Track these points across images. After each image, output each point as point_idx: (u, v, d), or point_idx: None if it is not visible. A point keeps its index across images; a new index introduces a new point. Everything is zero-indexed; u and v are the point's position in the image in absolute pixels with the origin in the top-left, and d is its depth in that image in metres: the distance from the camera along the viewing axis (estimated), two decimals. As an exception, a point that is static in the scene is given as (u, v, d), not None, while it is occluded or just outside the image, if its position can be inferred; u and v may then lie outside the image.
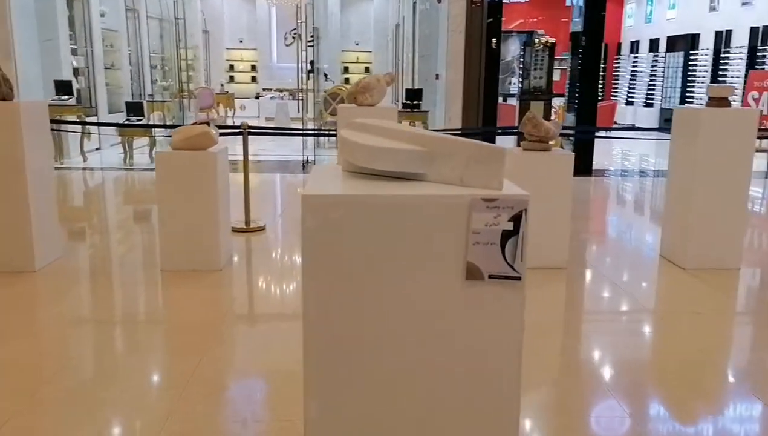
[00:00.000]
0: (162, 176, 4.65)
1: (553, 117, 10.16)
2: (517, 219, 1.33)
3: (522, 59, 9.39)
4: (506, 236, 1.33)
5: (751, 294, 4.54)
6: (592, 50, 8.84)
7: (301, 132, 9.65)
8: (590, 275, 4.80)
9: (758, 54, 11.10)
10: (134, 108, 10.49)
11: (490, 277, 1.34)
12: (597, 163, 10.39)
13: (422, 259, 1.34)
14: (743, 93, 9.33)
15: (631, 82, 16.85)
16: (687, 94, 14.13)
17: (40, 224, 4.60)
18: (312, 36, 18.06)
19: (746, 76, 10.70)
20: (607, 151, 11.92)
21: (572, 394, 2.88)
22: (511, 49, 14.32)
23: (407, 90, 10.06)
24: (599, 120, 14.42)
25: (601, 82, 17.78)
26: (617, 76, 17.63)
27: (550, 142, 4.91)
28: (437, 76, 9.70)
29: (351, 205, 1.32)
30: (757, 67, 10.87)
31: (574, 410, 2.72)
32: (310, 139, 10.15)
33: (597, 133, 11.04)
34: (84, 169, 9.66)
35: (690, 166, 4.77)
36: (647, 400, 2.87)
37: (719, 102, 4.74)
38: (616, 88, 17.63)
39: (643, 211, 7.62)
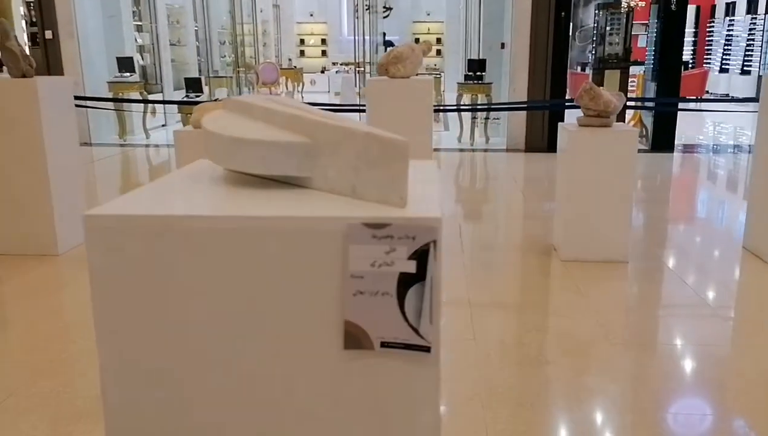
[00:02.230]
0: (182, 156, 4.35)
1: (631, 86, 9.22)
2: (421, 256, 0.83)
3: (596, 24, 8.50)
4: (406, 282, 0.84)
5: None
6: (675, 12, 7.86)
7: (349, 107, 9.20)
8: (655, 272, 4.12)
9: None
10: (193, 84, 10.37)
11: (383, 345, 0.85)
12: (683, 137, 9.40)
13: (270, 317, 0.86)
14: None
15: (726, 47, 15.24)
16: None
17: (62, 206, 4.42)
18: (385, 7, 17.50)
19: None
20: (696, 125, 10.82)
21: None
22: (593, 14, 13.23)
23: (469, 60, 9.37)
24: (688, 90, 13.18)
25: (692, 48, 16.34)
26: (710, 41, 16.03)
27: (612, 117, 4.24)
28: (503, 45, 8.95)
29: (151, 231, 0.86)
30: None
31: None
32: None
33: (681, 105, 9.99)
34: (147, 146, 9.65)
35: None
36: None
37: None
38: (709, 54, 16.04)
39: (728, 195, 6.71)
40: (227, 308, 0.87)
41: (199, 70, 13.07)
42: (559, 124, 4.53)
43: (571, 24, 12.31)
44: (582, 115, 4.26)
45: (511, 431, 2.34)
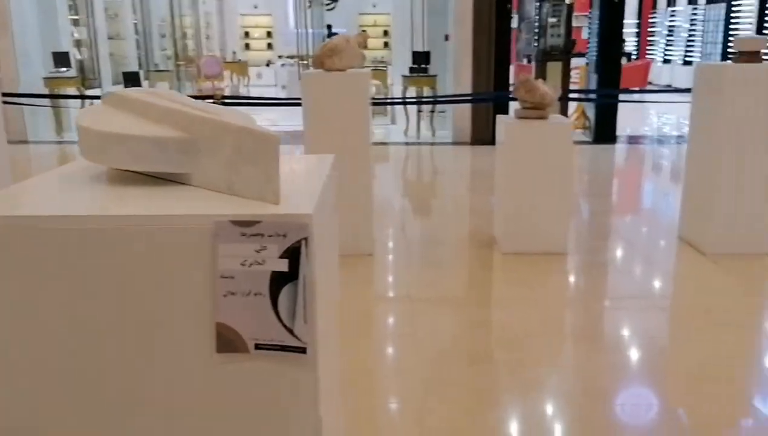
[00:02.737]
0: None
1: (574, 78, 9.37)
2: (293, 254, 0.79)
3: (538, 16, 8.60)
4: (279, 281, 0.79)
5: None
6: (615, 3, 8.01)
7: (296, 100, 9.05)
8: (593, 263, 4.18)
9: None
10: (131, 78, 10.09)
11: (257, 347, 0.81)
12: (626, 129, 9.61)
13: (139, 321, 0.81)
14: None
15: (668, 38, 15.66)
16: (729, 50, 13.01)
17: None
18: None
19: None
20: (639, 116, 11.07)
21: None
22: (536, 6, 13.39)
23: (414, 53, 9.37)
24: (631, 81, 13.48)
25: (635, 39, 16.73)
26: (653, 32, 16.44)
27: (548, 109, 4.28)
28: (446, 37, 8.97)
29: (12, 232, 0.79)
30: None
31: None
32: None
33: (625, 97, 10.21)
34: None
35: (713, 133, 4.08)
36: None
37: (749, 56, 4.02)
38: (652, 45, 16.45)
39: (668, 185, 6.88)
40: (93, 311, 0.82)
41: (140, 64, 12.74)
42: (498, 116, 4.55)
43: (516, 16, 12.46)
44: (519, 107, 4.30)
45: (448, 427, 2.33)
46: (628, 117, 10.50)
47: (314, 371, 0.80)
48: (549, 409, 2.46)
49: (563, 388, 2.61)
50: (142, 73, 11.14)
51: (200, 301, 0.79)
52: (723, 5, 13.14)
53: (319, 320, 0.83)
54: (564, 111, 8.66)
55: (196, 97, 6.66)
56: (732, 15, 12.89)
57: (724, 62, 4.99)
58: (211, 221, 0.77)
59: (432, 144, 8.94)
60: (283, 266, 0.78)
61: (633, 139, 9.12)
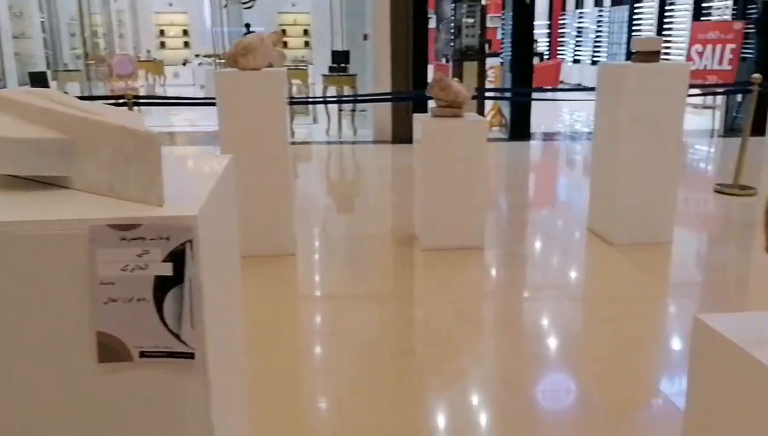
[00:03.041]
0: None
1: (490, 77, 9.61)
2: (177, 258, 0.77)
3: (453, 16, 8.76)
4: (163, 285, 0.77)
5: (684, 271, 4.11)
6: (524, 5, 8.27)
7: (203, 101, 8.88)
8: (508, 256, 4.31)
9: (704, 5, 10.67)
10: (38, 79, 9.59)
11: (142, 355, 0.78)
12: (540, 126, 9.94)
13: (17, 332, 0.77)
14: (688, 46, 8.92)
15: (577, 39, 16.34)
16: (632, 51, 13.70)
17: None
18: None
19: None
20: (552, 113, 11.47)
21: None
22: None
23: (333, 52, 9.36)
24: (544, 80, 13.96)
25: (547, 40, 17.34)
26: (563, 33, 17.11)
27: (463, 107, 4.37)
28: (365, 37, 9.01)
29: None
30: (702, 18, 10.46)
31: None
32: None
33: (538, 95, 10.55)
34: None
35: (615, 129, 4.29)
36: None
37: (647, 56, 4.24)
38: (563, 46, 17.12)
39: (579, 180, 7.18)
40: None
41: (48, 64, 12.13)
42: (414, 115, 4.61)
43: (434, 16, 12.65)
44: (435, 106, 4.37)
45: (368, 424, 2.34)
46: (542, 115, 10.87)
47: (204, 376, 0.78)
48: (472, 400, 2.52)
49: (483, 379, 2.67)
50: (49, 74, 10.60)
51: (80, 310, 0.76)
52: (626, 7, 13.83)
53: (211, 324, 0.81)
54: (481, 109, 8.87)
55: (108, 98, 6.42)
56: (634, 17, 13.58)
57: (624, 62, 5.24)
58: (88, 225, 0.75)
59: (354, 143, 8.96)
60: (167, 270, 0.76)
61: (546, 136, 9.45)
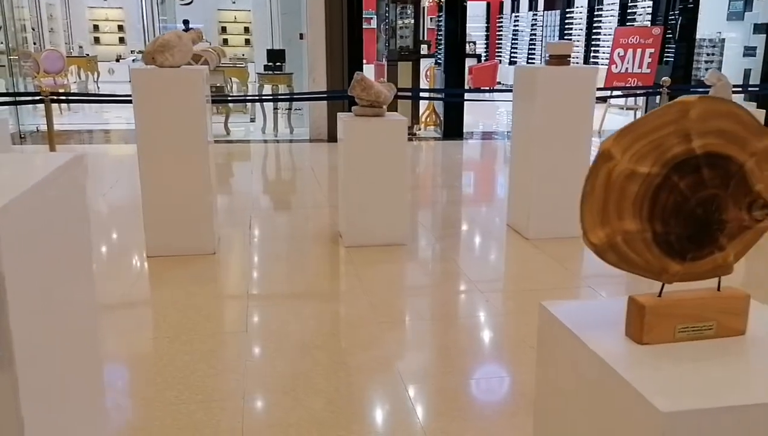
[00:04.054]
0: None
1: (424, 78, 9.76)
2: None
3: (387, 17, 8.87)
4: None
5: (594, 263, 4.31)
6: (456, 7, 8.45)
7: (123, 98, 8.70)
8: (430, 252, 4.42)
9: (628, 11, 11.11)
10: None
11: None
12: (478, 125, 10.16)
13: None
14: (611, 50, 9.29)
15: (513, 41, 16.74)
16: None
17: None
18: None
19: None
20: (489, 113, 11.72)
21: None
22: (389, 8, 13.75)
23: (268, 50, 9.33)
24: (482, 81, 14.25)
25: (485, 42, 17.69)
26: (500, 35, 17.49)
27: (384, 107, 4.45)
28: (301, 36, 9.02)
29: None
30: (627, 24, 10.88)
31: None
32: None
33: (475, 96, 10.77)
34: None
35: (529, 129, 4.46)
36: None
37: (559, 60, 4.42)
38: (500, 48, 17.50)
39: (505, 177, 7.38)
40: None
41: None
42: (338, 114, 4.67)
43: (376, 16, 12.73)
44: (356, 105, 4.44)
45: (273, 421, 2.38)
46: (479, 115, 11.11)
47: (12, 375, 0.81)
48: (385, 392, 2.59)
49: (395, 370, 2.74)
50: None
51: None
52: (558, 12, 14.26)
53: (30, 321, 0.84)
54: (415, 109, 9.02)
55: (34, 94, 6.20)
56: (566, 21, 14.02)
57: (537, 65, 5.43)
58: None
59: (291, 141, 8.96)
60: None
61: (479, 135, 9.66)
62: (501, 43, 17.45)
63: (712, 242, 1.18)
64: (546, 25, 14.84)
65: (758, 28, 8.99)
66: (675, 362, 1.13)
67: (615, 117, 11.12)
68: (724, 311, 1.21)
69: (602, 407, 1.16)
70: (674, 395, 1.02)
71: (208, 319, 3.25)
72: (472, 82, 14.00)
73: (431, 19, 15.18)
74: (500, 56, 17.28)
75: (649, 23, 9.80)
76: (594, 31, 12.71)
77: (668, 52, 9.03)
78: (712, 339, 1.20)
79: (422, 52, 10.61)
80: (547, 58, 4.47)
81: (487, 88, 13.91)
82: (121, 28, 17.87)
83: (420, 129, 9.21)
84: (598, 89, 9.59)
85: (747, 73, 9.15)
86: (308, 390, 2.57)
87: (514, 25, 16.71)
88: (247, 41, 17.35)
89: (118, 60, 16.11)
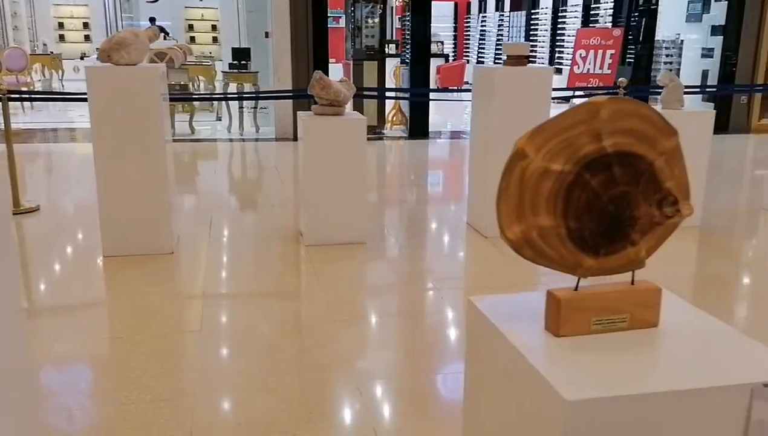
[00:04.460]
0: None
1: (390, 77, 9.79)
2: None
3: (353, 17, 8.88)
4: None
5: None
6: (422, 7, 8.50)
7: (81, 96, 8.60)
8: (389, 250, 4.45)
9: (591, 12, 11.29)
10: None
11: None
12: (448, 124, 10.22)
13: None
14: (574, 51, 9.43)
15: (480, 41, 16.88)
16: (530, 53, 14.32)
17: None
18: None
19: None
20: (458, 113, 11.80)
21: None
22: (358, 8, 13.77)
23: (233, 49, 9.28)
24: (450, 80, 14.35)
25: (453, 42, 17.79)
26: (468, 35, 17.62)
27: (344, 106, 4.47)
28: (267, 34, 8.99)
29: None
30: (590, 25, 11.06)
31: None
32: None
33: (442, 96, 10.84)
34: None
35: (487, 129, 4.51)
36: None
37: (516, 60, 4.49)
38: (468, 48, 17.63)
39: (456, 176, 7.46)
40: None
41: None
42: (298, 113, 4.68)
43: (345, 16, 12.73)
44: (317, 104, 4.44)
45: (223, 420, 2.38)
46: (447, 114, 11.18)
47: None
48: (340, 389, 2.61)
49: (348, 367, 2.76)
50: None
51: None
52: (524, 13, 14.43)
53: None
54: (381, 108, 9.05)
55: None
56: (532, 21, 14.19)
57: (495, 65, 5.51)
58: None
59: (257, 140, 8.93)
60: None
61: (445, 135, 9.73)
62: (469, 43, 17.58)
63: (625, 237, 1.23)
64: (512, 26, 15.00)
65: (715, 30, 9.22)
66: (587, 353, 1.17)
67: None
68: (638, 303, 1.26)
69: (519, 397, 1.19)
70: (580, 384, 1.06)
71: (163, 319, 3.23)
72: (440, 82, 14.09)
73: (399, 18, 15.24)
74: (468, 56, 17.41)
75: (610, 25, 9.98)
76: (558, 32, 12.89)
77: (630, 54, 9.21)
78: (626, 331, 1.25)
79: (390, 52, 10.66)
80: (505, 59, 4.53)
81: (455, 87, 14.01)
82: (86, 25, 17.57)
83: (386, 128, 9.24)
84: (561, 89, 9.74)
85: (705, 74, 9.37)
86: (261, 389, 2.58)
87: (482, 26, 16.85)
88: (215, 39, 17.20)
89: (82, 58, 15.83)
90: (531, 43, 13.63)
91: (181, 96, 8.90)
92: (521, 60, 4.47)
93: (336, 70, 11.02)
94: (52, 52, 14.89)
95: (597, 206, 1.19)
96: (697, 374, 1.10)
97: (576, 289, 1.25)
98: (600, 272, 1.25)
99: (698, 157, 4.72)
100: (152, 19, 16.22)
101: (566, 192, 1.17)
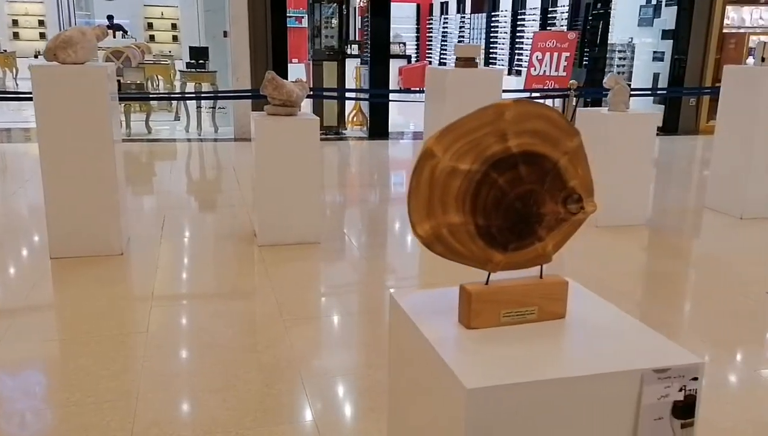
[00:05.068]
0: None
1: (352, 77, 9.83)
2: None
3: (312, 18, 8.89)
4: None
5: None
6: (381, 8, 8.56)
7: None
8: (342, 251, 4.48)
9: (549, 15, 11.51)
10: None
11: None
12: (411, 125, 10.28)
13: None
14: (531, 53, 9.61)
15: (442, 43, 17.05)
16: (490, 55, 14.53)
17: None
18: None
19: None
20: (420, 113, 11.87)
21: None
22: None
23: (190, 48, 9.20)
24: (412, 81, 14.43)
25: (415, 43, 17.92)
26: (430, 37, 17.78)
27: (297, 106, 4.49)
28: (225, 34, 8.94)
29: None
30: (548, 28, 11.27)
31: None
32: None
33: (405, 96, 10.91)
34: None
35: (439, 128, 4.58)
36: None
37: (466, 62, 4.57)
38: (430, 49, 17.78)
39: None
40: None
41: None
42: (251, 113, 4.68)
43: (307, 16, 12.71)
44: (269, 104, 4.45)
45: (165, 420, 2.38)
46: (410, 114, 11.25)
47: None
48: (285, 386, 2.63)
49: (294, 367, 2.79)
50: None
51: None
52: (484, 15, 14.62)
53: None
54: (342, 108, 9.08)
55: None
56: (492, 24, 14.39)
57: (447, 67, 5.60)
58: None
59: (215, 140, 8.87)
60: None
61: (407, 135, 9.80)
62: (431, 45, 17.72)
63: (532, 233, 1.29)
64: (473, 28, 15.18)
65: (666, 34, 9.49)
66: (493, 344, 1.22)
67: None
68: (545, 296, 1.32)
69: (429, 387, 1.24)
70: (481, 372, 1.11)
71: (109, 320, 3.21)
72: (402, 83, 14.17)
73: (362, 19, 15.29)
74: (430, 57, 17.54)
75: (566, 28, 10.18)
76: (518, 34, 13.10)
77: (585, 57, 9.41)
78: (535, 323, 1.31)
79: (352, 53, 10.70)
80: (456, 60, 4.62)
81: (417, 88, 14.10)
82: (42, 23, 17.20)
83: (346, 129, 9.27)
84: (518, 91, 9.90)
85: (656, 77, 9.63)
86: (205, 389, 2.58)
87: (443, 27, 17.00)
88: (175, 38, 17.00)
89: (36, 56, 15.49)
90: (491, 46, 13.84)
91: (135, 95, 8.79)
92: (471, 62, 4.55)
93: (299, 71, 11.01)
94: (5, 51, 14.54)
95: (504, 204, 1.25)
96: (594, 361, 1.16)
97: (487, 283, 1.30)
98: (509, 266, 1.30)
99: (643, 158, 4.87)
100: (110, 17, 15.99)
101: (474, 190, 1.22)
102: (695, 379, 1.15)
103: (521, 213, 1.26)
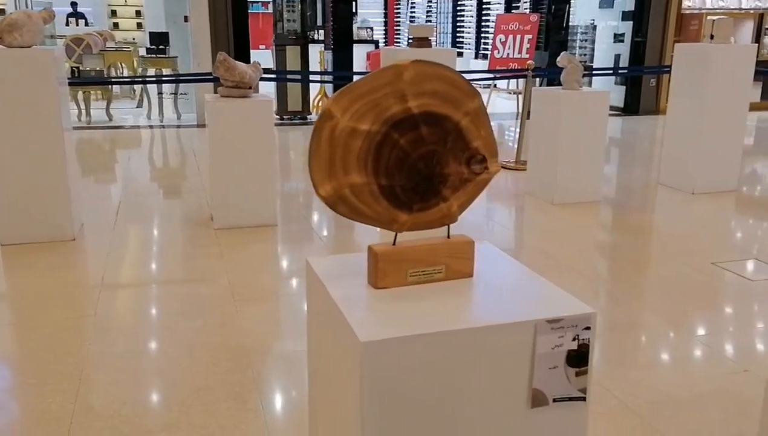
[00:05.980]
0: None
1: (317, 62, 9.78)
2: None
3: (274, 2, 8.81)
4: None
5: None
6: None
7: None
8: (298, 232, 4.48)
9: (514, -1, 11.56)
10: None
11: None
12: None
13: None
14: (494, 36, 9.63)
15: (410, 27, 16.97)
16: (457, 39, 14.55)
17: None
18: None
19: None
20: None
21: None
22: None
23: (150, 33, 9.07)
24: (379, 66, 14.39)
25: (383, 27, 17.82)
26: (398, 21, 17.70)
27: (252, 88, 4.46)
28: (186, 19, 8.82)
29: None
30: (513, 11, 11.31)
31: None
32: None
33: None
34: None
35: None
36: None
37: (420, 42, 4.58)
38: (398, 34, 17.71)
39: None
40: None
41: None
42: (205, 95, 4.64)
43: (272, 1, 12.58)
44: (221, 86, 4.42)
45: (107, 400, 2.37)
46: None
47: None
48: (234, 366, 2.63)
49: (246, 348, 2.79)
50: None
51: None
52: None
53: None
54: (306, 93, 9.03)
55: None
56: (458, 7, 14.39)
57: (401, 47, 5.61)
58: None
59: (178, 127, 8.77)
60: None
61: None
62: (399, 30, 17.65)
63: (436, 193, 1.31)
64: (440, 12, 15.16)
65: (626, 16, 9.58)
66: (396, 302, 1.24)
67: (502, 100, 11.57)
68: (452, 255, 1.34)
69: (333, 343, 1.26)
70: (378, 327, 1.13)
71: (58, 305, 3.18)
72: (370, 68, 14.12)
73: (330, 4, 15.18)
74: (399, 42, 17.48)
75: (528, 10, 10.23)
76: (483, 17, 13.12)
77: (548, 38, 9.47)
78: (443, 282, 1.33)
79: (319, 38, 10.63)
80: (410, 41, 4.62)
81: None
82: (2, 11, 16.73)
83: (311, 113, 9.23)
84: (481, 72, 9.94)
85: (617, 58, 9.73)
86: (149, 370, 2.58)
87: (411, 12, 16.93)
88: (140, 25, 16.72)
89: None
90: (457, 29, 13.84)
91: (92, 80, 8.64)
92: (425, 42, 4.56)
93: (265, 56, 10.91)
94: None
95: (407, 164, 1.26)
96: (489, 313, 1.19)
97: (394, 244, 1.32)
98: (415, 226, 1.32)
99: (597, 135, 4.94)
100: (74, 4, 15.66)
101: (376, 151, 1.24)
102: (588, 328, 1.18)
103: (424, 173, 1.28)
